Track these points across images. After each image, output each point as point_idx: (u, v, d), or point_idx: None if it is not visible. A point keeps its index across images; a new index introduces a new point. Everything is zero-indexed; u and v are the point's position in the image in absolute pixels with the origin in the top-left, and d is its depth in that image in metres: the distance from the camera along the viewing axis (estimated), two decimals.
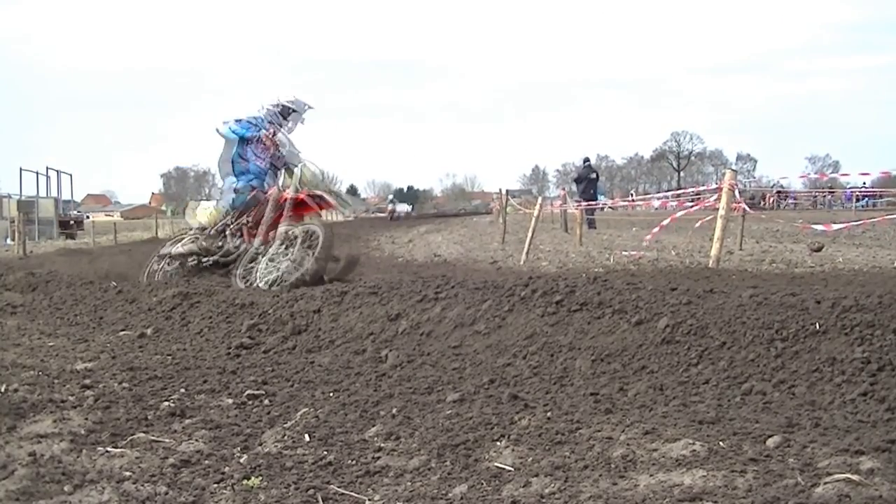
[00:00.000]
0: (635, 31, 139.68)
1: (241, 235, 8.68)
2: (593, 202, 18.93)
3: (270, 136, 8.66)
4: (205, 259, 8.81)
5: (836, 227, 11.58)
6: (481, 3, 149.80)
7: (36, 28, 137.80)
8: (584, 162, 21.50)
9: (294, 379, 4.66)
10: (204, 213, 9.21)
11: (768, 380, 4.05)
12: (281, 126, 8.79)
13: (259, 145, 8.74)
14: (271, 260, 8.17)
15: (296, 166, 8.55)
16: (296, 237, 8.15)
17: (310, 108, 9.01)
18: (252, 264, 8.28)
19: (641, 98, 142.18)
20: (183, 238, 9.34)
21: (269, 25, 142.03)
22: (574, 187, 21.77)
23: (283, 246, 8.20)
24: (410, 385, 4.38)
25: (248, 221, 8.62)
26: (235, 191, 8.75)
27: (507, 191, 23.25)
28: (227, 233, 8.79)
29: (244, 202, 8.68)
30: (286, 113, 8.86)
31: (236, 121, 8.74)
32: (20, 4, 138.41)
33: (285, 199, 8.39)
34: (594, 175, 20.44)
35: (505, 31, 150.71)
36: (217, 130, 8.78)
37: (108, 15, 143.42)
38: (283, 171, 8.71)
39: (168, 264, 9.18)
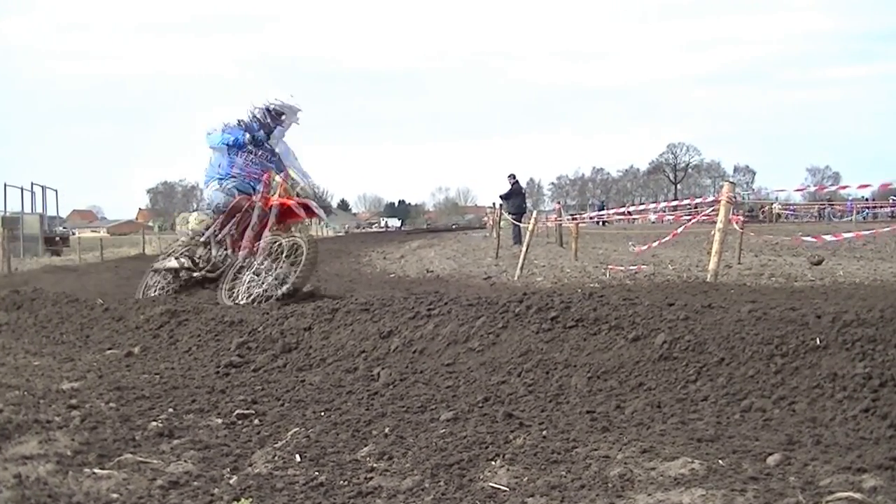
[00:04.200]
0: (631, 42, 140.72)
1: (227, 247, 8.56)
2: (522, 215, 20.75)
3: (258, 141, 8.57)
4: (195, 273, 8.76)
5: None
6: (475, 15, 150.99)
7: (17, 40, 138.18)
8: (512, 179, 22.33)
9: (284, 398, 4.59)
10: (195, 220, 9.05)
11: (768, 396, 4.00)
12: (273, 127, 8.67)
13: (246, 154, 8.59)
14: (256, 274, 8.17)
15: (295, 178, 8.52)
16: (281, 251, 8.11)
17: (299, 110, 8.86)
18: (237, 279, 8.22)
19: (637, 109, 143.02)
20: (175, 251, 9.25)
21: (257, 38, 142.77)
22: (503, 203, 22.84)
23: (268, 259, 8.16)
24: (403, 404, 4.32)
25: (232, 232, 8.52)
26: (220, 182, 8.58)
27: (502, 205, 23.29)
28: (213, 243, 8.64)
29: (227, 203, 8.52)
30: (277, 114, 8.72)
31: (224, 129, 8.63)
32: (2, 20, 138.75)
33: (270, 206, 8.28)
34: (523, 190, 22.08)
35: (498, 43, 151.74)
36: (208, 139, 8.71)
37: (93, 26, 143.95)
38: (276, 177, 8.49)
39: (163, 278, 9.16)
